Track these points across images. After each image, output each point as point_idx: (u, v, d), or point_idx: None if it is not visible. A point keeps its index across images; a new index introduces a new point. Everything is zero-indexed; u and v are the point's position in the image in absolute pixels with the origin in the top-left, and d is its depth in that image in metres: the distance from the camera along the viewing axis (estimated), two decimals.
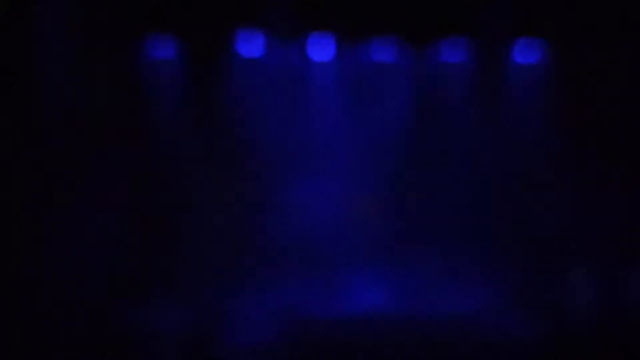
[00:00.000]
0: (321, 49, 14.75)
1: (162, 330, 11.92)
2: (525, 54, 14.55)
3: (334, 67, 14.89)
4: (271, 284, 13.32)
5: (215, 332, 11.99)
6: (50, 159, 12.56)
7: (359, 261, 14.01)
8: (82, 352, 11.07)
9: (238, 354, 11.60)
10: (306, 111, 14.80)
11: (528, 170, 14.26)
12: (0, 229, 11.90)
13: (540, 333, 12.13)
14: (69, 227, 12.35)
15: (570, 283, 13.39)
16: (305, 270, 13.76)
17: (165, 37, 14.02)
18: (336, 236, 14.41)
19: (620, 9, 13.41)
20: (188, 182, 14.00)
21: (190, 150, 14.06)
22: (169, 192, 13.87)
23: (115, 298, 12.27)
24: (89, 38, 13.04)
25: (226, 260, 13.57)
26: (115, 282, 12.48)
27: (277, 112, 14.43)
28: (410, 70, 14.79)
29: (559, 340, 12.05)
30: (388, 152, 14.64)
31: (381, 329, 12.18)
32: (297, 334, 12.09)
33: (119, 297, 12.31)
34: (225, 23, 13.97)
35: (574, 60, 14.04)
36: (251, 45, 14.45)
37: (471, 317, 12.63)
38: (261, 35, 14.36)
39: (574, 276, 13.46)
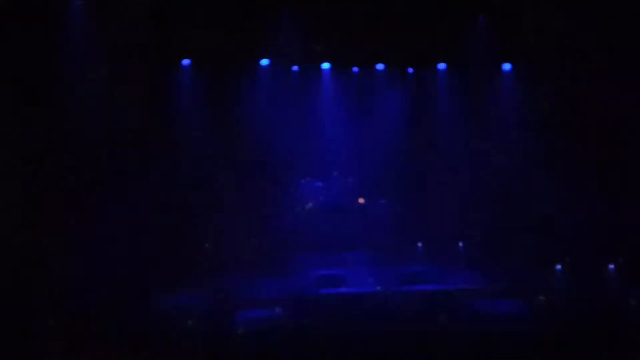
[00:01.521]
0: (325, 72, 16.60)
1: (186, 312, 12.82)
2: (505, 78, 16.35)
3: (336, 85, 16.74)
4: (282, 270, 14.46)
5: (233, 310, 12.91)
6: (90, 164, 14.10)
7: (364, 250, 15.29)
8: (116, 334, 11.81)
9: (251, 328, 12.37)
10: (313, 121, 16.52)
11: (518, 174, 15.73)
12: (41, 224, 13.14)
13: (527, 313, 12.92)
14: (105, 222, 13.60)
15: (559, 273, 14.50)
16: (314, 257, 14.97)
17: (188, 56, 15.86)
18: (343, 228, 15.86)
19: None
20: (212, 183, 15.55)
21: (214, 154, 15.56)
22: (194, 191, 15.40)
23: (147, 285, 13.32)
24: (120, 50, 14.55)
25: (244, 251, 14.96)
26: (147, 271, 13.54)
27: (286, 124, 16.03)
28: (404, 91, 16.64)
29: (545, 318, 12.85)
30: (387, 156, 16.19)
31: (383, 304, 13.18)
32: (306, 310, 13.00)
33: (149, 285, 13.37)
34: (242, 47, 15.66)
35: (550, 80, 15.68)
36: (265, 67, 16.16)
37: (465, 296, 13.56)
38: (273, 58, 16.16)
39: (563, 267, 14.60)
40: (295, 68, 16.71)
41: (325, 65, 16.79)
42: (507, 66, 16.50)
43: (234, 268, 14.45)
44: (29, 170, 13.43)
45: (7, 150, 13.15)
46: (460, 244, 15.65)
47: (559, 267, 14.55)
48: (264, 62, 16.38)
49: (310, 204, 16.20)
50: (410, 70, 16.87)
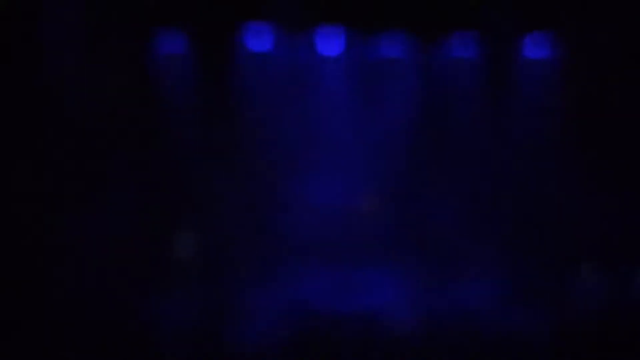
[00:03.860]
0: (330, 43, 14.83)
1: (173, 324, 12.42)
2: (535, 48, 14.50)
3: (343, 60, 14.88)
4: (283, 280, 13.59)
5: (226, 326, 12.49)
6: (64, 156, 12.94)
7: (369, 258, 14.15)
8: (96, 344, 11.57)
9: (247, 347, 12.07)
10: (315, 105, 14.85)
11: (536, 167, 14.30)
12: (14, 226, 12.32)
13: (545, 329, 12.47)
14: (84, 222, 12.72)
15: (576, 280, 13.59)
16: (316, 266, 13.93)
17: (173, 32, 14.19)
18: (347, 232, 14.68)
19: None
20: (199, 178, 14.24)
21: (201, 146, 14.25)
22: (180, 187, 14.13)
23: (128, 292, 12.66)
24: (98, 34, 13.36)
25: (239, 256, 13.90)
26: (128, 276, 12.79)
27: (285, 107, 14.57)
28: (420, 65, 14.80)
29: (564, 335, 12.36)
30: (397, 147, 14.81)
31: (391, 325, 12.61)
32: (308, 328, 12.51)
33: (131, 291, 12.71)
34: (234, 17, 14.10)
35: (585, 54, 14.06)
36: (260, 39, 14.54)
37: (478, 313, 12.90)
38: (269, 28, 14.41)
39: (580, 273, 13.67)
40: (297, 40, 14.57)
41: (333, 33, 14.64)
42: (543, 35, 14.42)
43: (233, 270, 13.67)
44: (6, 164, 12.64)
45: None
46: (479, 247, 14.21)
47: (579, 269, 13.76)
48: (259, 31, 14.37)
49: (312, 202, 15.15)
50: (431, 40, 14.70)
